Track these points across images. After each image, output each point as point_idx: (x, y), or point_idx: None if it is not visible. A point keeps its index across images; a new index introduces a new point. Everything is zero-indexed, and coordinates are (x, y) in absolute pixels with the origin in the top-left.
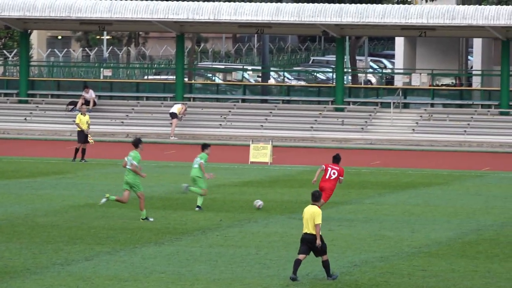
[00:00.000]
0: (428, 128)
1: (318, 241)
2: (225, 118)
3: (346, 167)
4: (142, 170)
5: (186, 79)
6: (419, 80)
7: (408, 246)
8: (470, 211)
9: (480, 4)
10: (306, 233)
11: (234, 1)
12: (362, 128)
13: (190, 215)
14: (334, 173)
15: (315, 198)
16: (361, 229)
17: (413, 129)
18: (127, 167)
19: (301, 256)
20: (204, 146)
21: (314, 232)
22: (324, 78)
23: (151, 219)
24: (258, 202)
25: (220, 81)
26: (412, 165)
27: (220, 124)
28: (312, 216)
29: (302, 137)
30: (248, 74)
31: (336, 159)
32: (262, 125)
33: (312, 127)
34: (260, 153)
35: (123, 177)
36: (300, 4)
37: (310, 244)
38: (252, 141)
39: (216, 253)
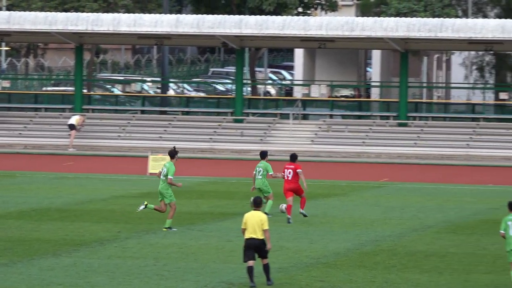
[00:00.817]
0: (327, 139)
1: (270, 245)
2: (124, 129)
3: (243, 178)
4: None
5: (85, 91)
6: (318, 91)
7: (306, 257)
8: (368, 222)
9: (379, 16)
10: (253, 238)
11: (134, 13)
12: (261, 139)
13: (88, 226)
14: (290, 173)
15: (257, 204)
16: None
17: (312, 140)
18: (161, 177)
19: (251, 262)
20: (265, 154)
21: (261, 237)
22: (223, 89)
23: (175, 229)
24: (283, 206)
25: (119, 93)
26: (311, 176)
27: (119, 136)
28: (260, 221)
29: (201, 148)
30: (147, 85)
31: (292, 158)
32: (161, 136)
33: (211, 138)
34: (159, 165)
35: (22, 189)
36: (199, 15)
37: (257, 249)
38: (151, 152)
39: (114, 264)
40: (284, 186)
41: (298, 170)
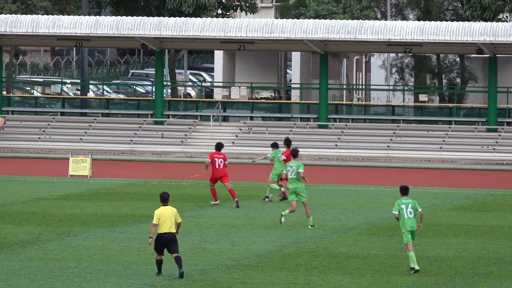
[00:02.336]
0: (247, 141)
1: (178, 232)
2: (44, 131)
3: (164, 180)
4: None
5: (4, 92)
6: (238, 93)
7: (228, 259)
8: (289, 224)
9: (298, 18)
10: (166, 233)
11: (53, 14)
12: (182, 141)
13: (9, 228)
14: (221, 162)
15: (165, 199)
16: (181, 242)
17: (233, 142)
18: (291, 176)
19: (161, 256)
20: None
21: (174, 231)
22: (143, 91)
23: (316, 226)
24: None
25: (39, 94)
26: (232, 178)
27: (39, 138)
28: (174, 216)
29: (122, 150)
30: (67, 87)
31: (218, 147)
32: (81, 138)
33: (131, 140)
34: (80, 166)
35: None
36: (119, 17)
37: (169, 242)
38: (72, 154)
39: (35, 266)
40: (214, 175)
41: (226, 162)
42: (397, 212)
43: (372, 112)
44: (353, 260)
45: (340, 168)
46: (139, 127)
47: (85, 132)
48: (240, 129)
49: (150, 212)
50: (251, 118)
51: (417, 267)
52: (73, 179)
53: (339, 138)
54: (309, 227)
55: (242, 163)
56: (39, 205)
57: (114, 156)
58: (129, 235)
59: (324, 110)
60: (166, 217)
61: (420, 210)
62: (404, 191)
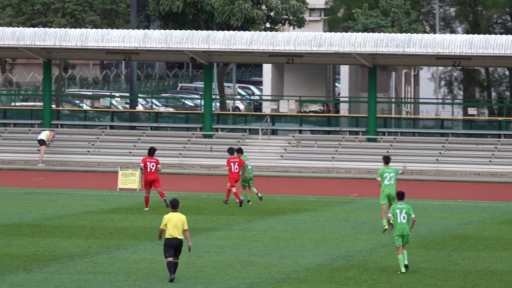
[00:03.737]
0: (296, 154)
1: (190, 243)
2: (93, 144)
3: (213, 193)
4: None
5: (53, 106)
6: (287, 106)
7: (277, 272)
8: (338, 237)
9: (346, 32)
10: (173, 238)
11: (102, 28)
12: None
13: (59, 241)
14: (153, 166)
15: (175, 206)
16: (230, 255)
17: (282, 156)
18: (388, 182)
19: (171, 259)
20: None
21: (180, 237)
22: (192, 104)
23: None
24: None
25: (88, 108)
26: (281, 192)
27: (88, 151)
28: (181, 222)
29: (170, 163)
30: (116, 100)
31: (150, 152)
32: (130, 152)
33: (180, 153)
34: (129, 180)
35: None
36: (167, 31)
37: (175, 247)
38: (121, 167)
39: (85, 280)
40: (146, 178)
41: (159, 166)
42: (390, 215)
43: (421, 125)
44: (402, 274)
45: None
46: (188, 140)
47: (134, 146)
48: (289, 143)
49: (199, 226)
50: (300, 131)
51: (403, 270)
52: (122, 193)
53: (387, 152)
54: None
55: (291, 177)
56: (88, 218)
57: (163, 170)
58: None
59: (373, 124)
60: (173, 223)
61: (413, 216)
62: (400, 196)
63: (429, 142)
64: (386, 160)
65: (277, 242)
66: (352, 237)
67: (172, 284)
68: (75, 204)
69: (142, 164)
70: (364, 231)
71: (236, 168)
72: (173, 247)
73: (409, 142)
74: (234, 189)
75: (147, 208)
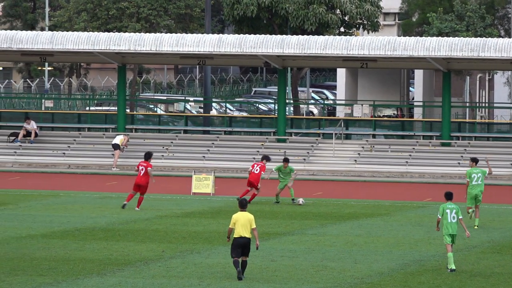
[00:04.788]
0: (370, 159)
1: (258, 242)
2: (167, 149)
3: (286, 198)
4: None
5: (128, 110)
6: (360, 111)
7: (350, 277)
8: (412, 242)
9: (421, 36)
10: (241, 237)
11: (176, 33)
12: (304, 159)
13: (133, 246)
14: (142, 169)
15: (243, 206)
16: (304, 260)
17: (355, 160)
18: (476, 183)
19: (237, 258)
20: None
21: (249, 236)
22: (266, 109)
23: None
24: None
25: (162, 112)
26: (354, 196)
27: (163, 155)
28: (249, 222)
29: (244, 168)
30: (190, 105)
31: (146, 156)
32: (204, 156)
33: (254, 158)
34: (203, 184)
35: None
36: (241, 35)
37: (244, 247)
38: (195, 172)
39: (158, 284)
40: (136, 180)
41: (149, 169)
42: (440, 216)
43: (496, 130)
44: (476, 279)
45: (463, 186)
46: (262, 145)
47: (208, 150)
48: (363, 147)
49: (272, 230)
50: (374, 136)
51: (453, 267)
52: (196, 197)
53: (462, 156)
54: (475, 227)
55: (364, 181)
56: (162, 222)
57: (236, 174)
58: (251, 253)
59: (447, 128)
60: (241, 222)
61: (460, 217)
62: (449, 196)
63: (503, 146)
64: (475, 160)
65: (350, 246)
66: (425, 241)
67: None
68: (149, 208)
69: (136, 167)
70: (438, 236)
71: (257, 170)
72: (241, 246)
73: (483, 147)
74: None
75: (125, 203)
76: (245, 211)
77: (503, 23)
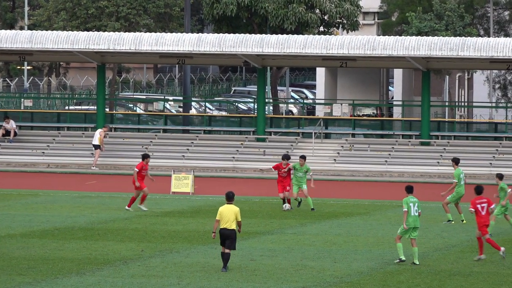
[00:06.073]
0: (349, 158)
1: (240, 229)
2: (146, 148)
3: (265, 197)
4: None
5: (107, 110)
6: (340, 110)
7: (330, 276)
8: (391, 241)
9: (400, 35)
10: (225, 228)
11: (156, 32)
12: None
13: (112, 245)
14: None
15: (230, 198)
16: (283, 259)
17: (335, 159)
18: (463, 183)
19: (225, 249)
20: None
21: (233, 228)
22: (245, 108)
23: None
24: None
25: (142, 112)
26: (334, 195)
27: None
28: (234, 214)
29: (223, 167)
30: (170, 104)
31: (143, 157)
32: (184, 155)
33: (233, 157)
34: (182, 183)
35: (45, 207)
36: (221, 34)
37: (228, 238)
38: (174, 171)
39: (138, 283)
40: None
41: (143, 171)
42: (406, 209)
43: (475, 129)
44: (455, 277)
45: (442, 186)
46: (241, 144)
47: (188, 149)
48: (342, 146)
49: (252, 230)
50: (353, 135)
51: (403, 258)
52: (175, 196)
53: (441, 156)
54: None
55: (344, 181)
56: (141, 221)
57: (216, 173)
58: (231, 252)
59: (426, 127)
60: (226, 215)
61: (419, 211)
62: (410, 190)
63: (482, 146)
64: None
65: (329, 245)
66: (405, 241)
67: None
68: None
69: (137, 170)
70: (417, 235)
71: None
72: (225, 236)
73: (462, 146)
74: (281, 195)
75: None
76: (232, 203)
77: (482, 22)
